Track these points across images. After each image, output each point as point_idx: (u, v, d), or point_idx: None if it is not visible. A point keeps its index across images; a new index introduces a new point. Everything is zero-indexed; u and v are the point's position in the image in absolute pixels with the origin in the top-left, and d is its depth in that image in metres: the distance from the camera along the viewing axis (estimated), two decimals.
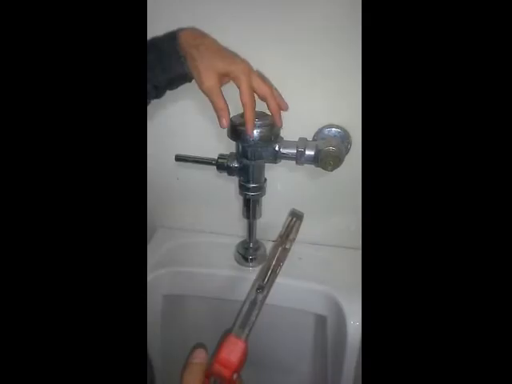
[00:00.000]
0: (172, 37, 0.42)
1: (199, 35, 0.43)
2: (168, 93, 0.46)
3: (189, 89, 0.45)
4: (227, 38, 0.45)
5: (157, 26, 0.43)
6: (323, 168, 0.47)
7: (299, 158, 0.48)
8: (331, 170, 0.48)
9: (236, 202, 0.64)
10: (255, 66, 0.49)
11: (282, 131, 0.49)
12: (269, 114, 0.46)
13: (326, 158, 0.46)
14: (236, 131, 0.46)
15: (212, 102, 0.42)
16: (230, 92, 0.42)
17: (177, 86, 0.46)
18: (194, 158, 0.55)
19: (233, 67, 0.41)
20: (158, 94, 0.44)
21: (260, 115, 0.46)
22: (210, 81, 0.41)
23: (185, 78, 0.44)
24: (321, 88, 0.51)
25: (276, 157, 0.48)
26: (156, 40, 0.43)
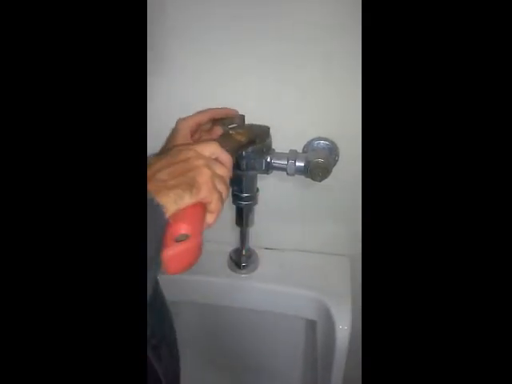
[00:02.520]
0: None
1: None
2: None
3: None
4: (226, 37, 0.46)
5: (157, 26, 0.44)
6: (312, 179, 0.50)
7: (290, 169, 0.50)
8: (320, 181, 0.50)
9: (229, 211, 0.65)
10: (254, 66, 0.52)
11: (273, 143, 0.51)
12: (263, 125, 0.48)
13: (315, 170, 0.49)
14: None
15: None
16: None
17: None
18: None
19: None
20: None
21: (252, 127, 0.48)
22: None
23: None
24: (310, 100, 0.53)
25: (268, 168, 0.51)
26: None
